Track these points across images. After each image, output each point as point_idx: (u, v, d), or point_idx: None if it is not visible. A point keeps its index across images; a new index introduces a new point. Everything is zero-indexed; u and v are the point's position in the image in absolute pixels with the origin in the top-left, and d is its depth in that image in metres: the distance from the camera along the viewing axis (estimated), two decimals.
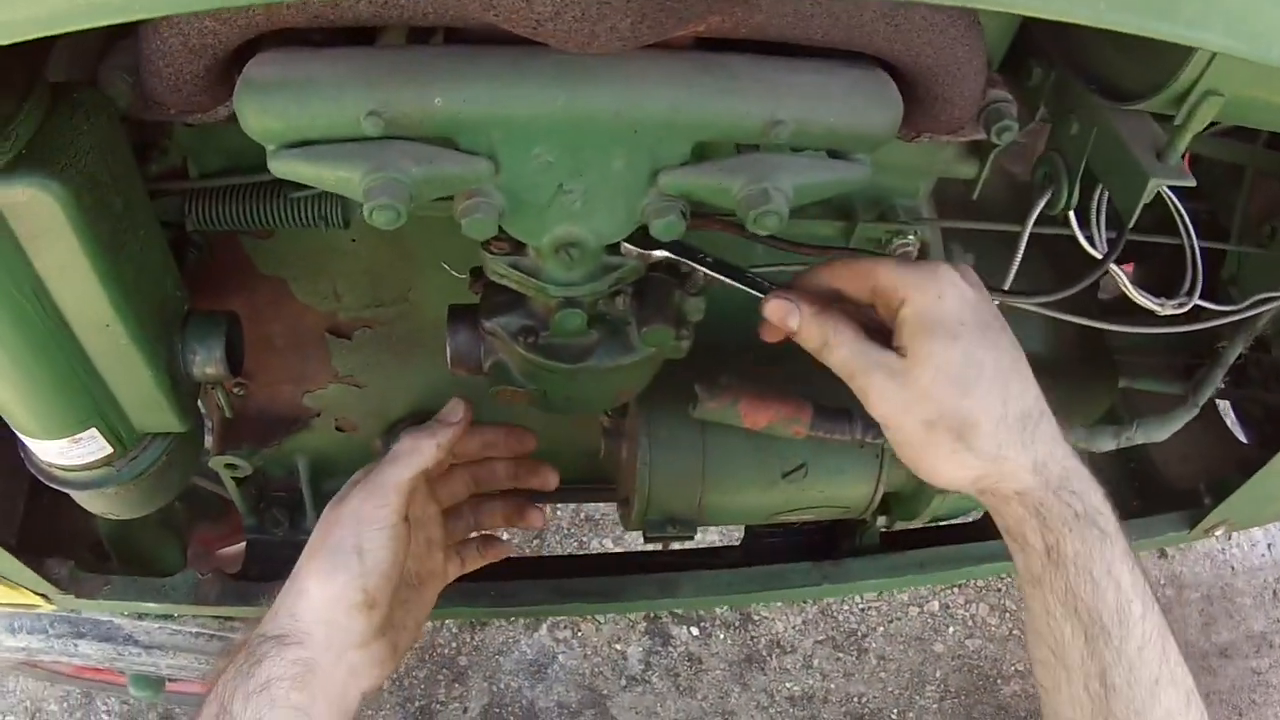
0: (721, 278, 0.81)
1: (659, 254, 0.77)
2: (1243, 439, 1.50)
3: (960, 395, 0.73)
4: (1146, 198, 0.81)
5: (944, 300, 0.75)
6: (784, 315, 0.78)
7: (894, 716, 2.33)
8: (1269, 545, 2.69)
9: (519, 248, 0.76)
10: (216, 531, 1.63)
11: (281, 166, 0.64)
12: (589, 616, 2.32)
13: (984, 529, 1.35)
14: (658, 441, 0.96)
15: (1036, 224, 0.96)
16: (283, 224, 0.91)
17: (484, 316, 0.84)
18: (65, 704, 2.17)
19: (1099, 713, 0.76)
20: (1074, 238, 0.95)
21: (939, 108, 0.74)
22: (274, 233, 0.98)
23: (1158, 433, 1.12)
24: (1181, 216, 1.03)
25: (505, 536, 1.10)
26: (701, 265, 0.80)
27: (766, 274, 0.84)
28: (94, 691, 2.13)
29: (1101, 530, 0.76)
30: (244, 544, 1.30)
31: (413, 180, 0.62)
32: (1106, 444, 1.09)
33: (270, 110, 0.61)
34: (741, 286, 0.81)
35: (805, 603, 2.42)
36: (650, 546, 1.11)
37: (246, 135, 0.64)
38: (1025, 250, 1.00)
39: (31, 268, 0.70)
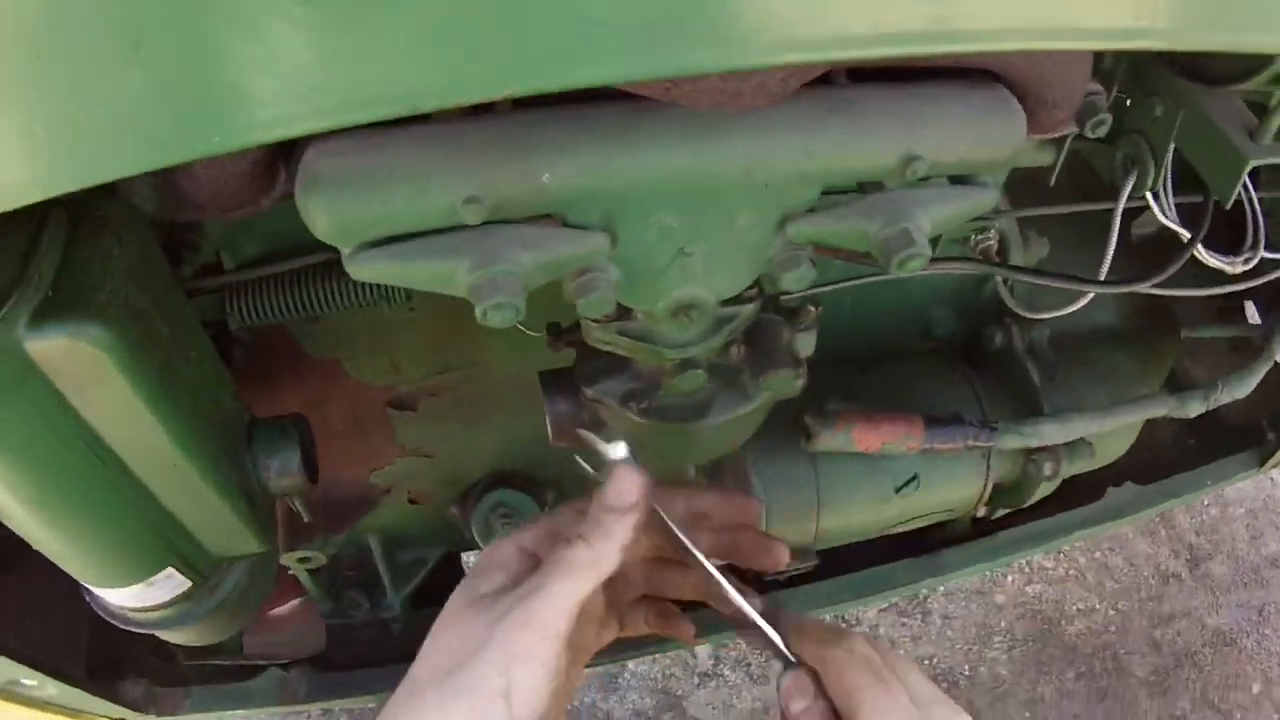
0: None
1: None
2: None
3: None
4: (1243, 178, 0.79)
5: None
6: (794, 695, 0.64)
7: (965, 672, 2.31)
8: None
9: (624, 311, 0.70)
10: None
11: (363, 269, 0.55)
12: None
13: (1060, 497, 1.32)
14: (769, 478, 0.92)
15: (1076, 200, 0.93)
16: (340, 307, 0.85)
17: (584, 383, 0.78)
18: None
19: None
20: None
21: (1048, 114, 0.68)
22: (324, 315, 0.92)
23: (1241, 388, 1.09)
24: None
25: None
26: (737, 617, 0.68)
27: None
28: None
29: None
30: (297, 601, 1.24)
31: (525, 270, 0.55)
32: (1197, 408, 1.05)
33: (346, 208, 0.52)
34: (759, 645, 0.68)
35: None
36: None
37: (284, 215, 0.56)
38: (1082, 230, 0.97)
39: (82, 419, 0.61)
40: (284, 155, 0.58)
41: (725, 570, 0.70)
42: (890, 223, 0.60)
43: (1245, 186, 1.06)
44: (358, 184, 0.51)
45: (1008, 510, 1.12)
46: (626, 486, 0.64)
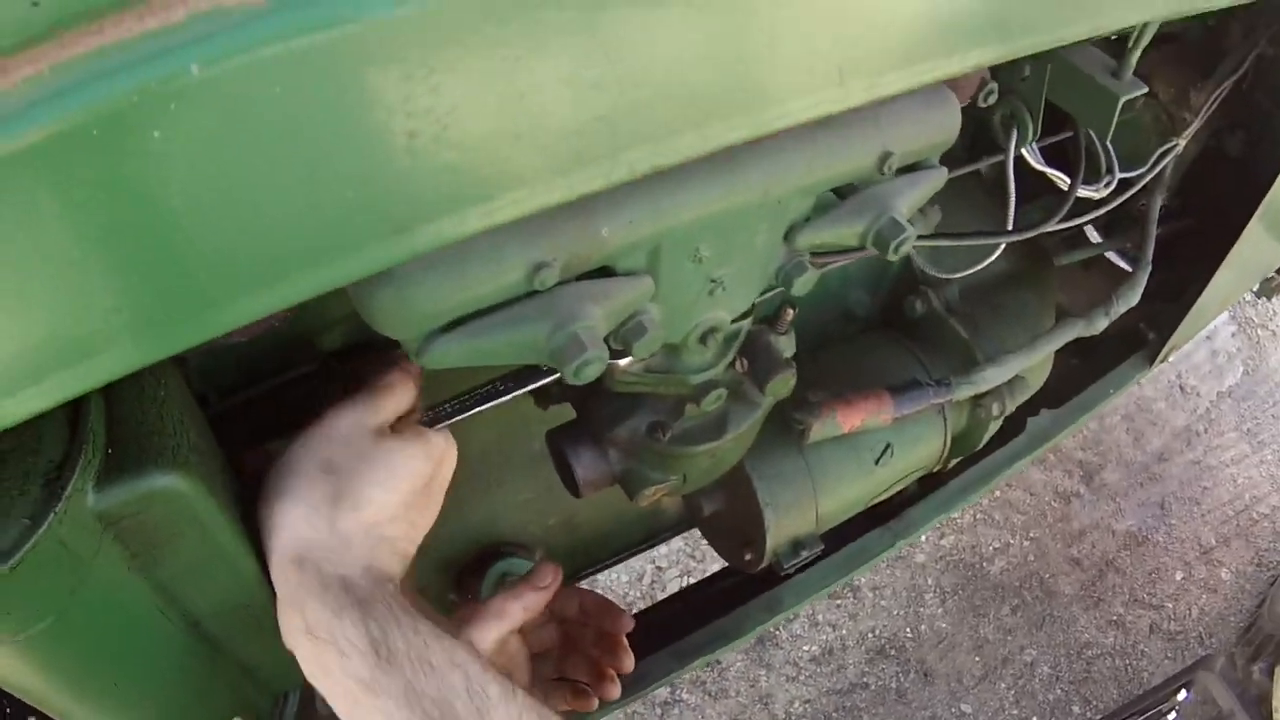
0: None
1: None
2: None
3: None
4: (1117, 115, 0.91)
5: None
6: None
7: (909, 634, 2.44)
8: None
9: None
10: None
11: (438, 356, 0.57)
12: None
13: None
14: (769, 478, 0.98)
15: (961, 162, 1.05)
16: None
17: (606, 429, 0.82)
18: None
19: None
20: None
21: (959, 93, 0.79)
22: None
23: (1131, 296, 1.23)
24: None
25: None
26: None
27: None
28: None
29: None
30: None
31: (598, 322, 0.60)
32: (1102, 324, 1.19)
33: (422, 298, 0.53)
34: None
35: None
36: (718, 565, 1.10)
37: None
38: (961, 188, 1.09)
39: (155, 579, 0.58)
40: None
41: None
42: (879, 216, 0.68)
43: None
44: (429, 271, 0.53)
45: (963, 457, 1.22)
46: (542, 573, 0.84)
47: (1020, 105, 0.98)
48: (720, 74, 0.48)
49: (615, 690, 0.98)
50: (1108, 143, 1.20)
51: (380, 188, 0.43)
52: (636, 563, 2.49)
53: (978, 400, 1.11)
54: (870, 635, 2.44)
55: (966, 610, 2.47)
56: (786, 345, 0.86)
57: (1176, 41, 1.39)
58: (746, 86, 0.50)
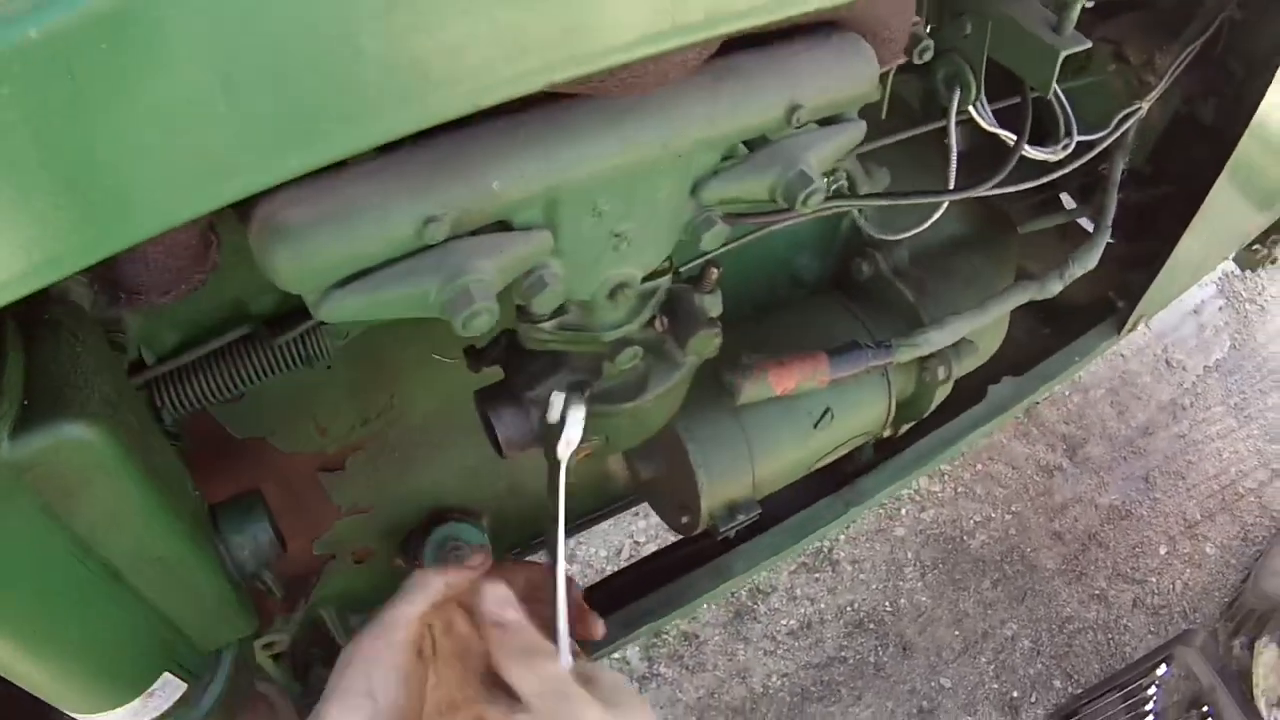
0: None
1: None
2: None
3: None
4: (1057, 70, 0.89)
5: None
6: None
7: (888, 608, 2.44)
8: (1145, 322, 2.98)
9: (558, 308, 0.75)
10: None
11: (335, 310, 0.57)
12: None
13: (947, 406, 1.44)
14: (702, 441, 0.97)
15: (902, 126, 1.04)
16: (268, 376, 0.86)
17: (525, 389, 0.82)
18: None
19: None
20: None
21: (887, 49, 0.77)
22: (244, 394, 0.92)
23: (1090, 259, 1.22)
24: None
25: None
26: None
27: None
28: None
29: None
30: None
31: (490, 276, 0.59)
32: (1056, 286, 1.18)
33: (315, 253, 0.54)
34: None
35: None
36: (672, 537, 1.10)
37: (192, 301, 0.58)
38: (919, 151, 1.07)
39: (70, 530, 0.60)
40: (214, 228, 0.60)
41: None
42: (787, 169, 0.67)
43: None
44: (321, 227, 0.53)
45: (912, 423, 1.22)
46: (472, 555, 0.88)
47: (963, 64, 0.97)
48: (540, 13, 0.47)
49: (600, 629, 0.98)
50: (1065, 104, 1.19)
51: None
52: (615, 538, 2.50)
53: (923, 364, 1.10)
54: (849, 609, 2.44)
55: (946, 584, 2.47)
56: (712, 305, 0.85)
57: (1149, 8, 1.37)
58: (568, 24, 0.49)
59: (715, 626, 2.42)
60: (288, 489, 1.02)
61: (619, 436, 0.86)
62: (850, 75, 0.68)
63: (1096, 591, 2.49)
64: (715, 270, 0.84)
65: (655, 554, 1.34)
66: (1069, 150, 1.18)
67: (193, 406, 0.85)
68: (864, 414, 1.08)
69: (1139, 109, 1.26)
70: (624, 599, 1.20)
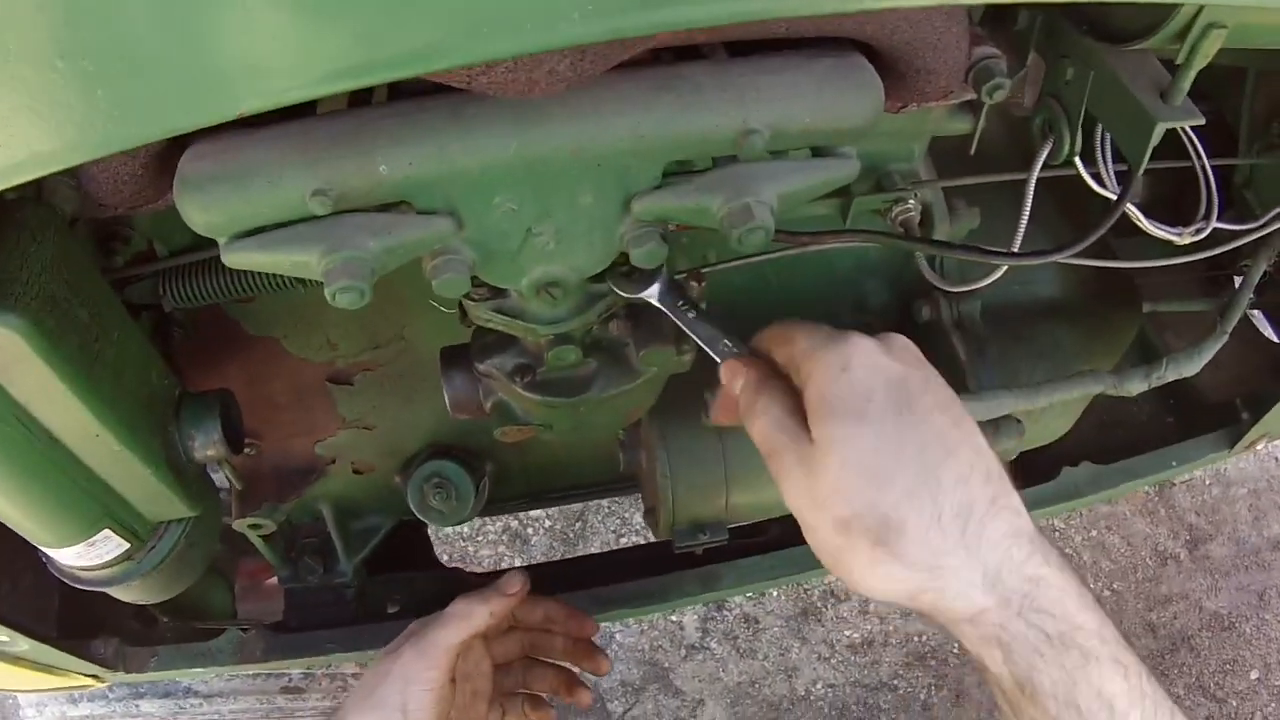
0: (694, 337, 0.74)
1: (649, 298, 0.74)
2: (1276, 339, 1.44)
3: (874, 489, 0.60)
4: (1153, 143, 0.77)
5: (849, 374, 0.63)
6: (730, 378, 0.70)
7: (954, 651, 2.31)
8: (1268, 443, 2.64)
9: (499, 290, 0.73)
10: (261, 562, 1.63)
11: (235, 258, 0.61)
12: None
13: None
14: (676, 452, 0.94)
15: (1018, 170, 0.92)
16: (263, 289, 0.89)
17: (476, 359, 0.81)
18: None
19: None
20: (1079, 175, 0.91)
21: (923, 80, 0.69)
22: (256, 296, 0.96)
23: (1189, 366, 1.07)
24: (1191, 140, 0.97)
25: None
26: (681, 320, 0.74)
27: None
28: None
29: (1083, 650, 0.61)
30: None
31: (373, 255, 0.59)
32: (1137, 387, 1.04)
33: (212, 205, 0.58)
34: (706, 349, 0.74)
35: None
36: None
37: None
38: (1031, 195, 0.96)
39: (10, 396, 0.68)
40: (177, 153, 0.62)
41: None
42: (733, 197, 0.62)
43: (1198, 154, 1.03)
44: (222, 183, 0.57)
45: None
46: (511, 579, 0.99)
47: (1059, 112, 0.85)
48: None
49: (587, 697, 1.09)
50: (1210, 181, 1.03)
51: None
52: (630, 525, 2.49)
53: None
54: (915, 639, 2.33)
55: None
56: None
57: None
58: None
59: (778, 617, 2.38)
60: (296, 389, 1.06)
61: (562, 429, 0.84)
62: (836, 104, 0.61)
63: (1172, 698, 2.26)
64: (697, 285, 0.79)
65: (651, 544, 1.32)
66: (1203, 234, 1.03)
67: (191, 302, 0.89)
68: None
69: None
70: (600, 577, 1.19)
